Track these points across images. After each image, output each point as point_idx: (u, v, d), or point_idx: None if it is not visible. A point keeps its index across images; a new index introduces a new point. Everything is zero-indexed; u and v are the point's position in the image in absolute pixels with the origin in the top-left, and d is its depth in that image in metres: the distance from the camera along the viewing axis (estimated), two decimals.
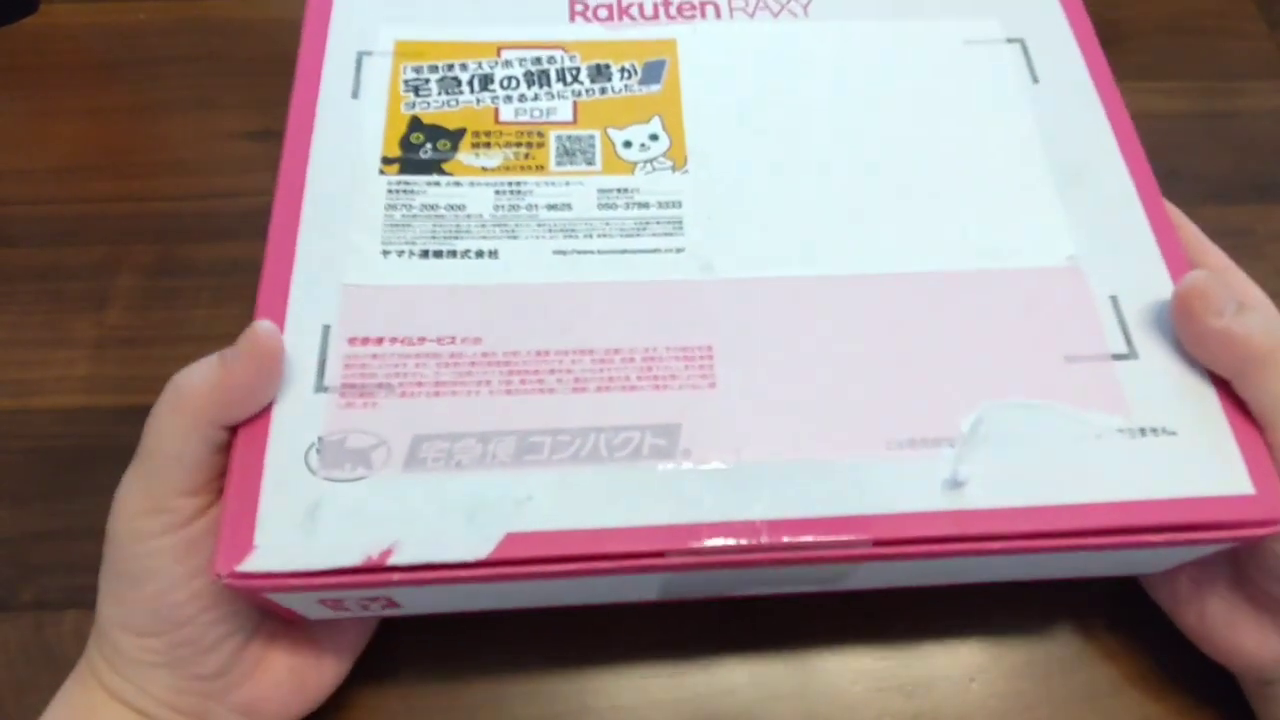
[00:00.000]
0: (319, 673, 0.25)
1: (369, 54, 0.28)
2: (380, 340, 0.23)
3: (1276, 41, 0.42)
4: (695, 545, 0.21)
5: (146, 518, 0.22)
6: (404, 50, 0.28)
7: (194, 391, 0.22)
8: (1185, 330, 0.23)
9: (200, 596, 0.22)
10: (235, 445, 0.22)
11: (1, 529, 0.30)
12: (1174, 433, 0.23)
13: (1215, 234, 0.26)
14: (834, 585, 0.25)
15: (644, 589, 0.24)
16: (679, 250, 0.25)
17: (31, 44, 0.41)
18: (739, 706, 0.27)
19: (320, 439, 0.22)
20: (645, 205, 0.26)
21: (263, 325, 0.22)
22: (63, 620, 0.28)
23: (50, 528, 0.30)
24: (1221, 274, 0.25)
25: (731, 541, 0.21)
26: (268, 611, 0.24)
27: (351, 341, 0.23)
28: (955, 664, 0.28)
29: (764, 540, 0.21)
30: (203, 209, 0.36)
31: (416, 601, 0.23)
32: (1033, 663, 0.28)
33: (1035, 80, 0.28)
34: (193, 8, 0.42)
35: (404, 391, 0.23)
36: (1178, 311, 0.23)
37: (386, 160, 0.26)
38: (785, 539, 0.21)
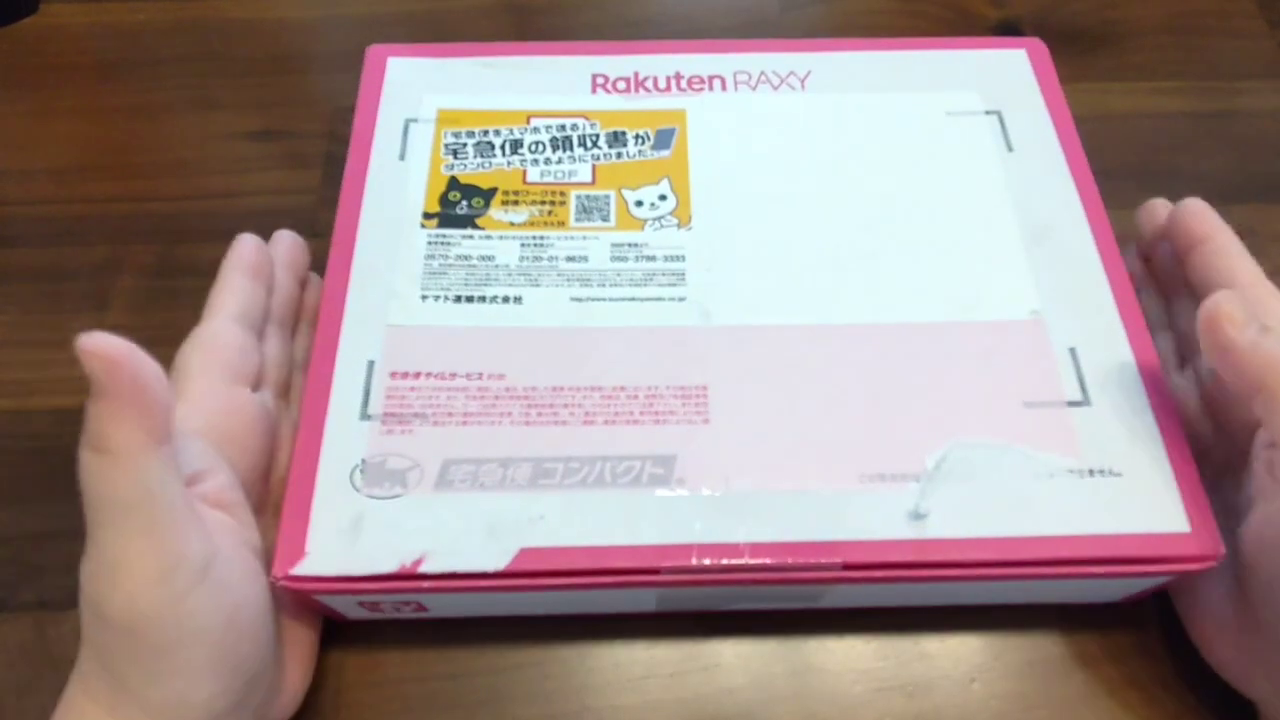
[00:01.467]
0: (308, 670, 0.26)
1: (415, 120, 0.32)
2: (418, 375, 0.27)
3: (1276, 41, 0.41)
4: (686, 563, 0.24)
5: (169, 578, 0.20)
6: (445, 117, 0.32)
7: (126, 439, 0.20)
8: (1210, 342, 0.24)
9: (266, 621, 0.23)
10: (292, 465, 0.25)
11: (1, 529, 0.30)
12: (1119, 474, 0.25)
13: None
14: (811, 604, 0.28)
15: (642, 602, 0.27)
16: (681, 299, 0.28)
17: (31, 44, 0.41)
18: (739, 707, 0.27)
19: (364, 461, 0.25)
20: (652, 258, 0.29)
21: (85, 340, 0.19)
22: (63, 620, 0.28)
23: (50, 528, 0.30)
24: (1249, 289, 0.26)
25: (718, 561, 0.24)
26: (313, 610, 0.27)
27: (393, 376, 0.27)
28: (956, 664, 0.28)
29: (746, 561, 0.24)
30: (203, 209, 0.36)
31: (443, 606, 0.26)
32: (1033, 663, 0.28)
33: (1010, 149, 0.31)
34: (193, 8, 0.42)
35: (436, 420, 0.26)
36: (1203, 325, 0.24)
37: (427, 215, 0.30)
38: (765, 560, 0.24)
